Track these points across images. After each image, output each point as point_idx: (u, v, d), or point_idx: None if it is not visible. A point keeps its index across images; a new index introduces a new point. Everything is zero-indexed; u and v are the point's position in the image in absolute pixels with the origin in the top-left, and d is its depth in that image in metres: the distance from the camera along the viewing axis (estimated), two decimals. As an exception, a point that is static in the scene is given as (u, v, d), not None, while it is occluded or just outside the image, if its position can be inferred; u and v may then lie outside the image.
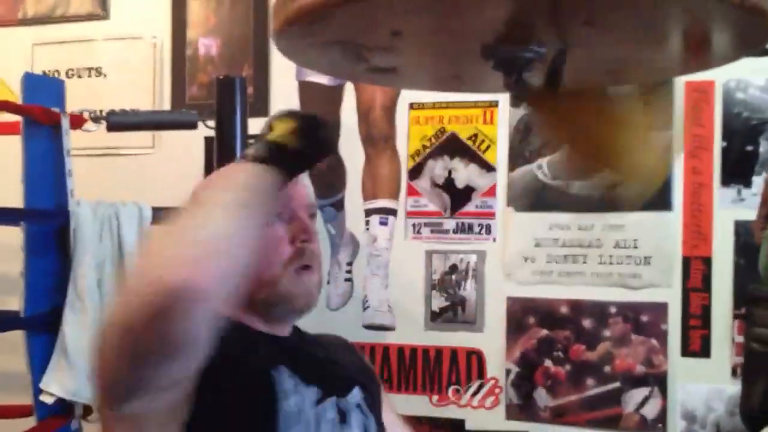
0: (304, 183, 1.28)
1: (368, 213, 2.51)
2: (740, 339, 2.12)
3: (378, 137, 2.53)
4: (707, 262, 2.18)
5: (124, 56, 2.81)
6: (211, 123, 2.31)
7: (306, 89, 2.63)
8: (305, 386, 1.14)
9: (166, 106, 2.79)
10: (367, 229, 2.50)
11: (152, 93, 2.80)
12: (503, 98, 2.38)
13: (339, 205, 2.55)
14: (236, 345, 1.10)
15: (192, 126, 2.44)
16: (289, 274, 1.18)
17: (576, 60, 1.05)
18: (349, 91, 2.56)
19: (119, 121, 2.43)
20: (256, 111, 2.52)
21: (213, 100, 2.31)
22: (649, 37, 1.03)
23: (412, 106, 2.48)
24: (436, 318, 2.41)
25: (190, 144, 2.67)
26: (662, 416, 2.18)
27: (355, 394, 1.24)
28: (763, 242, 1.14)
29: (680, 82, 2.21)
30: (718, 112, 2.20)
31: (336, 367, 1.26)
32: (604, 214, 2.25)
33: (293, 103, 2.62)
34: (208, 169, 2.69)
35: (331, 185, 2.56)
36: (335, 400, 1.19)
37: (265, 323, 1.22)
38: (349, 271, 2.53)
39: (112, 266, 2.32)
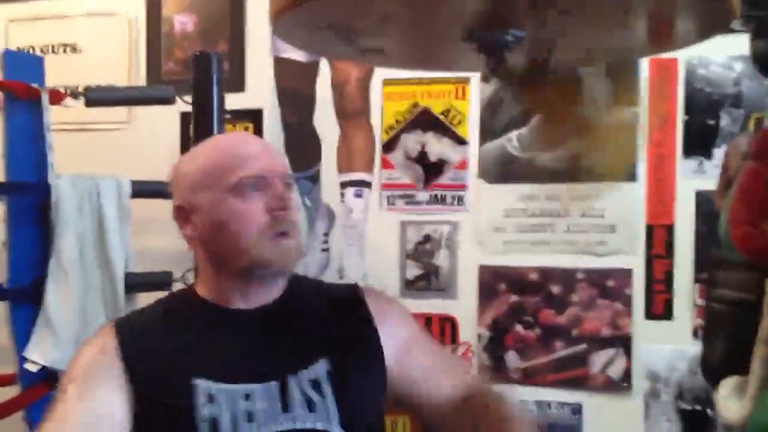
0: (278, 153, 1.34)
1: (343, 185, 2.58)
2: (701, 302, 2.25)
3: (352, 112, 2.60)
4: (670, 229, 2.28)
5: (99, 32, 2.83)
6: (188, 98, 2.36)
7: (281, 65, 2.68)
8: (225, 384, 1.20)
9: (142, 82, 2.82)
10: (343, 201, 2.57)
11: (128, 69, 2.82)
12: (474, 75, 2.46)
13: (314, 178, 2.61)
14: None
15: (169, 101, 2.48)
16: (265, 241, 1.22)
17: (551, 43, 1.13)
18: (324, 67, 2.62)
19: (98, 97, 2.46)
20: (231, 86, 2.57)
21: (189, 76, 2.36)
22: (620, 22, 1.12)
23: (385, 81, 2.55)
24: (410, 286, 2.50)
25: (165, 119, 2.71)
26: (627, 376, 2.30)
27: (317, 368, 1.24)
28: (722, 210, 1.23)
29: (645, 59, 2.31)
30: (680, 88, 2.29)
31: (292, 344, 1.27)
32: (572, 185, 2.34)
33: (268, 78, 2.67)
34: (184, 144, 2.74)
35: (306, 158, 2.63)
36: (276, 386, 1.21)
37: (243, 294, 1.27)
38: (325, 242, 2.60)
39: (92, 238, 2.36)
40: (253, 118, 2.70)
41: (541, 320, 2.37)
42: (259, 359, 1.24)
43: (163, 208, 2.74)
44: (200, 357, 1.23)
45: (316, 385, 1.23)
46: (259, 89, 2.70)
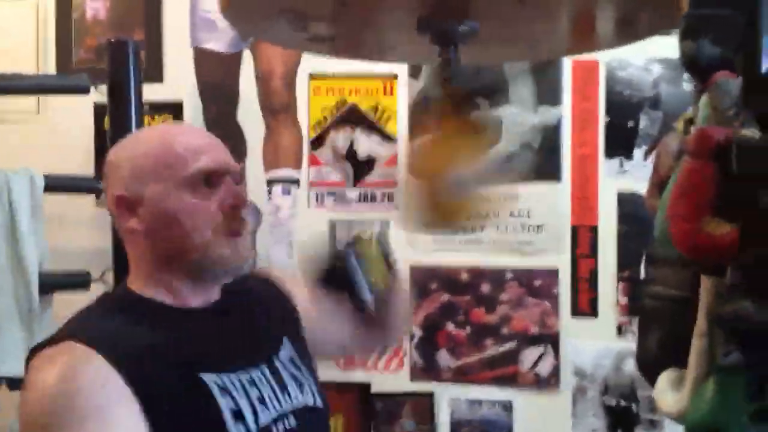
0: (225, 149, 1.29)
1: (270, 183, 2.52)
2: (624, 300, 2.32)
3: (278, 107, 2.54)
4: (593, 229, 2.34)
5: (3, 18, 2.66)
6: (104, 88, 2.25)
7: (202, 57, 2.59)
8: (230, 374, 1.15)
9: (51, 70, 2.67)
10: (270, 198, 2.52)
11: (36, 56, 2.67)
12: (402, 70, 2.45)
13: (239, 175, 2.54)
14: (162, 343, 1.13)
15: (84, 91, 2.37)
16: (220, 239, 1.17)
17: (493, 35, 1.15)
18: (247, 60, 2.55)
19: (7, 85, 2.33)
20: (148, 77, 2.46)
21: (103, 65, 2.24)
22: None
23: (312, 76, 2.51)
24: (339, 285, 2.47)
25: (77, 110, 2.59)
26: (555, 373, 2.35)
27: (286, 348, 1.26)
28: (659, 209, 1.25)
29: (567, 60, 2.35)
30: (601, 89, 2.35)
31: (261, 328, 1.27)
32: (500, 186, 2.36)
33: (188, 70, 2.58)
34: (99, 137, 2.62)
35: (232, 154, 2.55)
36: (267, 370, 1.20)
37: (192, 292, 1.21)
38: (252, 241, 2.53)
39: (3, 236, 2.24)
40: (173, 111, 2.61)
41: (472, 319, 2.39)
42: (243, 347, 1.21)
43: (79, 203, 2.68)
44: (190, 354, 1.15)
45: (292, 362, 1.24)
46: (178, 81, 2.60)
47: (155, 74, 2.59)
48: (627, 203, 2.31)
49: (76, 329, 1.16)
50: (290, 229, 2.51)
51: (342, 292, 1.36)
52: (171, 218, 1.16)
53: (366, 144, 2.47)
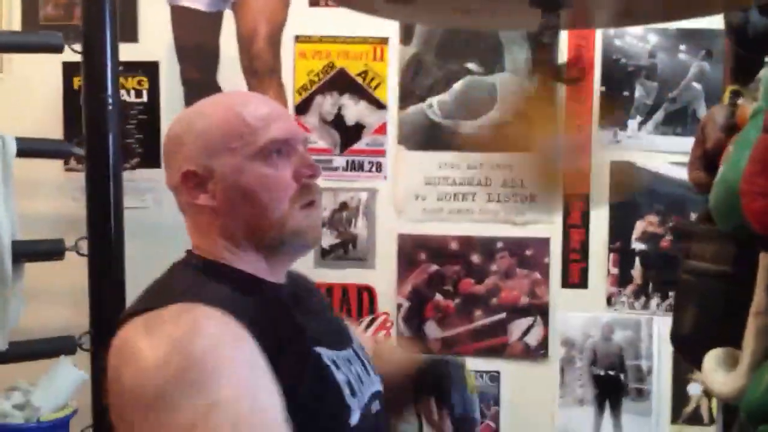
0: (291, 115, 1.22)
1: (252, 148, 2.44)
2: (615, 271, 2.33)
3: (262, 70, 2.45)
4: (586, 200, 2.33)
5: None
6: (77, 47, 2.13)
7: (180, 15, 2.47)
8: (336, 350, 1.13)
9: (16, 26, 2.52)
10: (251, 164, 2.44)
11: (-1, 11, 2.52)
12: (393, 35, 2.38)
13: (219, 140, 2.45)
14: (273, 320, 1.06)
15: (56, 49, 2.23)
16: (296, 212, 1.11)
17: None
18: (229, 19, 2.45)
19: (-26, 42, 2.18)
20: (123, 36, 2.33)
21: (72, 21, 2.13)
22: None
23: (297, 38, 2.42)
24: (326, 255, 2.41)
25: (45, 70, 2.45)
26: (544, 343, 2.34)
27: (355, 340, 1.23)
28: (718, 184, 1.22)
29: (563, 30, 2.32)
30: (597, 58, 2.33)
31: (330, 314, 1.27)
32: (492, 154, 2.34)
33: (165, 28, 2.46)
34: (68, 99, 2.49)
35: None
36: (352, 351, 1.18)
37: (267, 267, 1.14)
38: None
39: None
40: (148, 72, 2.49)
41: (461, 289, 2.36)
42: (333, 329, 1.20)
43: (48, 168, 2.54)
44: (303, 327, 1.11)
45: (362, 350, 1.23)
46: (154, 40, 2.48)
47: (129, 33, 2.46)
48: (620, 174, 2.30)
49: (186, 293, 1.04)
50: (273, 196, 2.43)
51: (430, 395, 1.31)
52: (246, 192, 1.10)
53: (354, 110, 2.40)
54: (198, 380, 0.90)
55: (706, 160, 1.31)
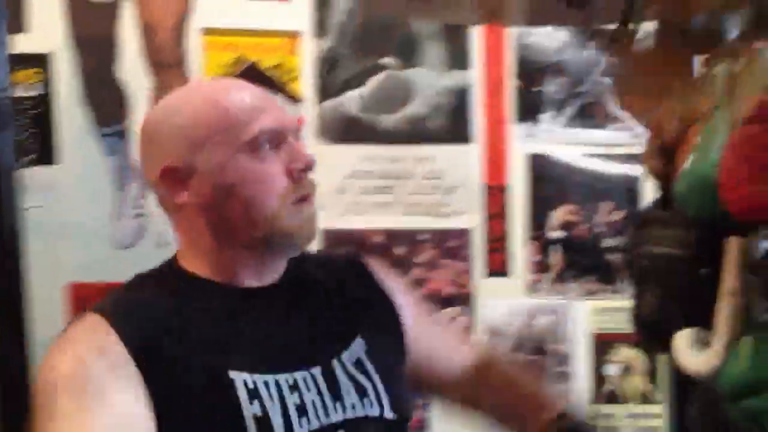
0: (281, 104, 1.15)
1: (160, 145, 2.31)
2: (535, 259, 2.39)
3: (167, 62, 2.32)
4: (505, 190, 2.38)
5: None
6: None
7: (74, 3, 2.30)
8: (267, 375, 1.02)
9: None
10: (158, 162, 2.30)
11: None
12: (307, 28, 2.33)
13: (123, 135, 2.30)
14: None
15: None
16: (288, 208, 1.05)
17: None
18: (128, 9, 2.30)
19: None
20: (11, 27, 2.14)
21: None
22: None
23: (205, 30, 2.31)
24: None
25: None
26: (470, 332, 2.36)
27: (356, 346, 1.11)
28: (684, 174, 1.28)
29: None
30: (510, 54, 2.38)
31: (328, 318, 1.13)
32: (413, 147, 2.34)
33: (57, 17, 2.28)
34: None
35: (111, 113, 2.30)
36: (320, 372, 1.06)
37: (255, 270, 1.08)
38: (140, 207, 2.31)
39: None
40: (40, 64, 2.30)
41: (387, 283, 2.34)
42: (295, 343, 1.07)
43: None
44: (227, 346, 1.02)
45: (359, 365, 1.09)
46: (45, 30, 2.29)
47: (14, 24, 2.26)
48: (536, 165, 2.37)
49: (105, 304, 1.05)
50: (183, 195, 2.31)
51: None
52: (232, 189, 1.03)
53: (267, 104, 2.33)
54: (48, 400, 0.93)
55: (662, 150, 1.37)
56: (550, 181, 2.38)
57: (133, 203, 2.31)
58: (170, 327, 1.00)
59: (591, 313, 2.40)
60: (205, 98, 1.07)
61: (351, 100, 2.33)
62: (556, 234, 2.38)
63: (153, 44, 2.31)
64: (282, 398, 1.00)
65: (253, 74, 2.31)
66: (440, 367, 1.26)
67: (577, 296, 2.38)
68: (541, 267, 2.38)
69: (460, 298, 2.37)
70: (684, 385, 1.63)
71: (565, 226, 2.39)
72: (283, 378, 1.02)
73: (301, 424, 1.00)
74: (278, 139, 1.05)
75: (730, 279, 1.23)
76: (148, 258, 2.22)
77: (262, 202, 1.03)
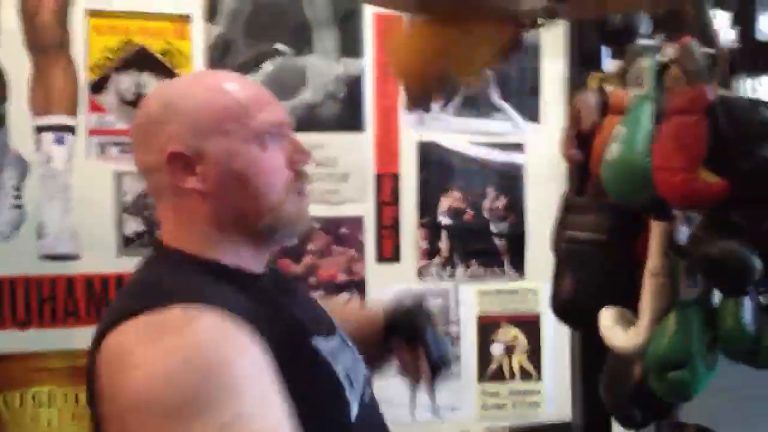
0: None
1: (40, 130, 2.20)
2: (424, 245, 2.46)
3: (48, 45, 2.21)
4: (396, 178, 2.42)
5: None
6: None
7: (-56, -19, 2.16)
8: (327, 339, 1.11)
9: None
10: (39, 148, 2.20)
11: None
12: (196, 12, 2.28)
13: (1, 121, 2.19)
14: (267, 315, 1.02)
15: None
16: (290, 198, 1.08)
17: None
18: (4, -11, 2.18)
19: None
20: None
21: None
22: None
23: (90, 12, 2.22)
24: (129, 243, 2.26)
25: None
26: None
27: (338, 327, 1.21)
28: (607, 164, 1.33)
29: (369, 11, 2.38)
30: (401, 42, 2.42)
31: (310, 299, 1.26)
32: (305, 134, 2.33)
33: None
34: None
35: (-14, 98, 2.18)
36: (340, 337, 1.16)
37: (254, 258, 1.10)
38: (17, 196, 2.20)
39: None
40: None
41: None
42: (317, 316, 1.16)
43: None
44: (293, 319, 1.08)
45: (344, 332, 1.20)
46: None
47: None
48: (426, 153, 2.43)
49: (180, 291, 0.97)
50: (66, 183, 2.22)
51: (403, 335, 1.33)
52: (240, 177, 1.04)
53: (156, 89, 2.27)
54: (209, 398, 0.85)
55: (580, 139, 1.44)
56: (438, 169, 2.45)
57: (10, 192, 2.21)
58: (254, 314, 0.98)
59: (477, 295, 2.50)
60: (214, 86, 1.08)
61: (243, 87, 2.31)
62: (445, 220, 2.46)
63: (33, 26, 2.20)
64: (344, 357, 1.10)
65: (143, 58, 2.25)
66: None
67: (464, 280, 2.47)
68: (430, 252, 2.45)
69: (352, 284, 2.41)
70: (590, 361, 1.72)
71: (453, 212, 2.46)
72: (334, 341, 1.12)
73: (357, 380, 1.11)
74: (281, 132, 1.09)
75: (654, 260, 1.32)
76: (26, 251, 2.18)
77: (268, 191, 1.06)
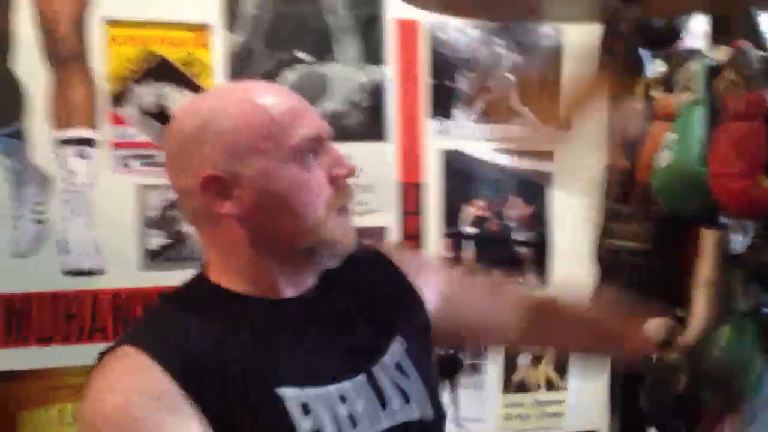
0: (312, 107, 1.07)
1: (61, 144, 2.18)
2: (449, 255, 2.42)
3: (67, 56, 2.19)
4: (419, 188, 2.40)
5: None
6: None
7: (-38, -7, 2.13)
8: (317, 387, 1.01)
9: None
10: (60, 162, 2.17)
11: None
12: (216, 21, 2.26)
13: (19, 135, 2.16)
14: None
15: None
16: (332, 217, 1.02)
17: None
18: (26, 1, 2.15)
19: None
20: None
21: None
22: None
23: (110, 22, 2.19)
24: (155, 257, 2.23)
25: None
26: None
27: (395, 351, 1.09)
28: (658, 169, 1.30)
29: (390, 17, 2.36)
30: (423, 49, 2.40)
31: (365, 323, 1.10)
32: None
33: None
34: None
35: (5, 111, 2.15)
36: (365, 380, 1.05)
37: (291, 281, 1.04)
38: (39, 212, 2.17)
39: None
40: (-76, 57, 2.12)
41: (305, 283, 2.31)
42: (338, 352, 1.05)
43: None
44: (273, 362, 0.99)
45: (400, 368, 1.09)
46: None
47: None
48: (450, 162, 2.40)
49: (138, 332, 1.01)
50: (89, 197, 2.19)
51: None
52: (279, 198, 0.99)
53: (178, 101, 2.24)
54: None
55: (628, 148, 1.41)
56: (462, 177, 2.42)
57: (31, 207, 2.18)
58: (212, 349, 0.95)
59: (502, 305, 2.47)
60: (244, 104, 1.01)
61: (265, 97, 2.28)
62: (469, 229, 2.43)
63: (52, 37, 2.17)
64: (333, 410, 0.99)
65: (164, 69, 2.22)
66: (489, 320, 1.26)
67: (490, 290, 2.44)
68: (455, 262, 2.42)
69: (377, 295, 2.37)
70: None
71: (477, 221, 2.43)
72: (333, 389, 1.01)
73: (375, 420, 1.02)
74: (319, 145, 1.02)
75: (705, 269, 1.29)
76: (48, 266, 2.15)
77: (309, 211, 1.00)
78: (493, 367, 2.46)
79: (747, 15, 1.23)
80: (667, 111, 1.31)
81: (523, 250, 2.48)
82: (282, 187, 0.99)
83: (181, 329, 0.98)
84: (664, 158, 1.25)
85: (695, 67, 1.24)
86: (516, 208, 2.47)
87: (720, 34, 1.31)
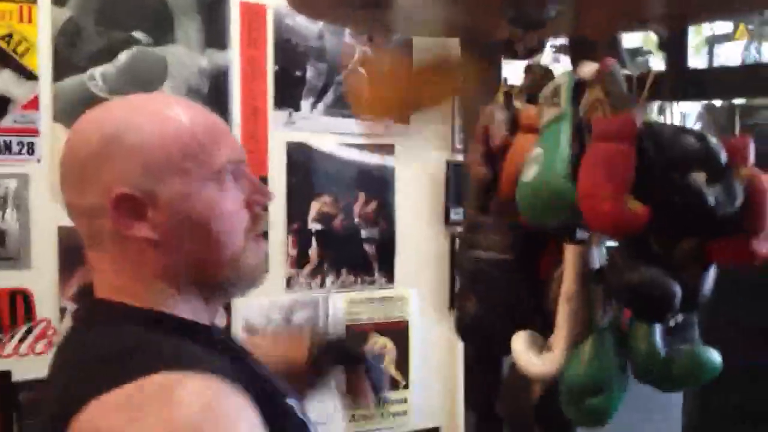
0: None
1: None
2: (293, 252, 2.33)
3: None
4: (264, 181, 2.27)
5: None
6: None
7: None
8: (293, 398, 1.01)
9: None
10: None
11: None
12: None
13: None
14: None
15: None
16: (249, 245, 0.95)
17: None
18: None
19: None
20: None
21: None
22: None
23: None
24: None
25: None
26: (228, 330, 2.24)
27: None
28: (523, 185, 1.27)
29: (235, 1, 2.22)
30: (270, 36, 2.27)
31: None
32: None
33: None
34: None
35: None
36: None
37: (204, 311, 0.96)
38: None
39: None
40: None
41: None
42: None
43: None
44: (265, 379, 0.97)
45: None
46: None
47: None
48: (295, 155, 2.30)
49: (155, 356, 0.82)
50: None
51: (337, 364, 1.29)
52: (198, 223, 0.90)
53: (-2, 81, 2.00)
54: None
55: (488, 157, 1.37)
56: (307, 172, 2.33)
57: None
58: (223, 369, 0.84)
59: (346, 304, 2.41)
60: (163, 116, 0.91)
61: (95, 78, 2.08)
62: (315, 226, 2.35)
63: None
64: (307, 418, 1.01)
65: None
66: None
67: (334, 288, 2.37)
68: (299, 260, 2.33)
69: (216, 296, 2.25)
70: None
71: (323, 217, 2.35)
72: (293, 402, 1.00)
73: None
74: (239, 170, 0.95)
75: (569, 285, 1.27)
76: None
77: (227, 239, 0.92)
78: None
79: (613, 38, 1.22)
80: (530, 122, 1.28)
81: (369, 248, 2.43)
82: (201, 212, 0.90)
83: (198, 350, 0.87)
84: (529, 172, 1.21)
85: (562, 80, 1.22)
86: (362, 204, 2.41)
87: (581, 53, 1.30)
